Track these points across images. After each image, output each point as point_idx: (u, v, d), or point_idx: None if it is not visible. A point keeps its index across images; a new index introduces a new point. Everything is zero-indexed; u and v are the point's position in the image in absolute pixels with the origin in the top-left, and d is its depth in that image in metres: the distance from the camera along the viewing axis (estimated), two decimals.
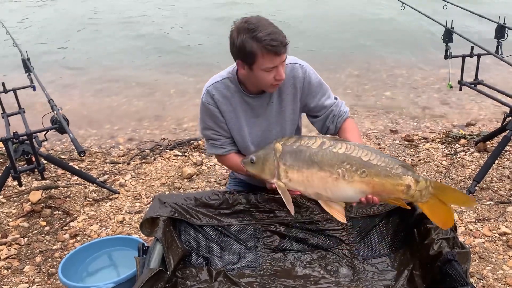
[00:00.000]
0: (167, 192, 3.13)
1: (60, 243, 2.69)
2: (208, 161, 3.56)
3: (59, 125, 2.60)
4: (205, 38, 7.20)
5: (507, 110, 3.16)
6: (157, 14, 8.82)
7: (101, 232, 2.75)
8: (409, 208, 1.87)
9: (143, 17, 8.67)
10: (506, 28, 3.18)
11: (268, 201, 1.99)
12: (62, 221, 2.89)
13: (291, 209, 1.77)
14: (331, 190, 1.70)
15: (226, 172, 3.34)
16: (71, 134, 2.39)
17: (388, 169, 1.64)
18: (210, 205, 2.00)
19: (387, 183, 1.65)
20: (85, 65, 6.36)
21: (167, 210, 1.92)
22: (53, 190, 3.23)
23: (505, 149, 3.21)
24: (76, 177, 3.31)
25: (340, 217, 1.73)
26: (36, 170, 2.96)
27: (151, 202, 2.94)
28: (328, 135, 1.98)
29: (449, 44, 3.24)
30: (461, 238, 2.44)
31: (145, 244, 1.77)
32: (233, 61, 2.04)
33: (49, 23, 8.51)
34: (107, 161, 3.73)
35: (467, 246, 1.74)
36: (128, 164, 3.62)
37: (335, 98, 2.08)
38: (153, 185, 3.26)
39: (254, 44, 1.76)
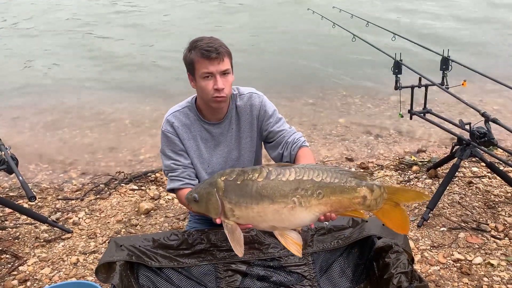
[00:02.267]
0: (123, 230, 3.03)
1: None
2: (166, 195, 3.48)
3: (7, 166, 2.48)
4: (162, 66, 7.16)
5: (455, 137, 3.30)
6: (112, 41, 8.70)
7: (53, 276, 2.61)
8: (367, 217, 1.90)
9: (97, 42, 8.51)
10: (450, 61, 3.35)
11: None
12: (10, 266, 2.71)
13: (238, 251, 1.63)
14: (288, 220, 1.61)
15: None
16: (20, 177, 2.27)
17: (342, 184, 1.59)
18: (169, 246, 1.96)
19: (343, 198, 1.60)
20: (35, 96, 6.14)
21: (123, 253, 1.86)
22: (0, 231, 3.05)
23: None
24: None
25: (297, 250, 1.64)
26: None
27: (106, 242, 2.84)
28: (273, 163, 1.91)
29: (398, 75, 3.38)
30: (417, 267, 2.49)
31: None
32: (191, 91, 2.06)
33: None
34: (59, 197, 3.57)
35: (424, 279, 1.76)
36: (82, 200, 3.49)
37: (290, 128, 2.12)
38: (108, 222, 3.15)
39: (192, 52, 1.91)
